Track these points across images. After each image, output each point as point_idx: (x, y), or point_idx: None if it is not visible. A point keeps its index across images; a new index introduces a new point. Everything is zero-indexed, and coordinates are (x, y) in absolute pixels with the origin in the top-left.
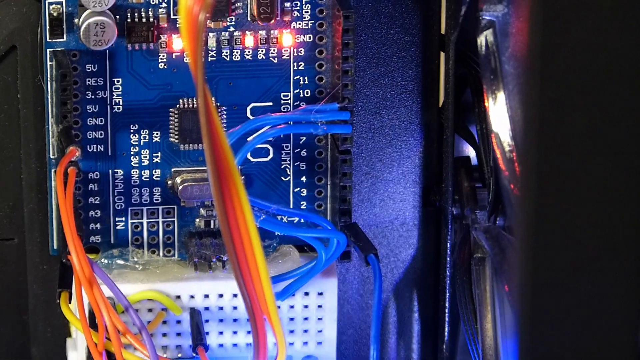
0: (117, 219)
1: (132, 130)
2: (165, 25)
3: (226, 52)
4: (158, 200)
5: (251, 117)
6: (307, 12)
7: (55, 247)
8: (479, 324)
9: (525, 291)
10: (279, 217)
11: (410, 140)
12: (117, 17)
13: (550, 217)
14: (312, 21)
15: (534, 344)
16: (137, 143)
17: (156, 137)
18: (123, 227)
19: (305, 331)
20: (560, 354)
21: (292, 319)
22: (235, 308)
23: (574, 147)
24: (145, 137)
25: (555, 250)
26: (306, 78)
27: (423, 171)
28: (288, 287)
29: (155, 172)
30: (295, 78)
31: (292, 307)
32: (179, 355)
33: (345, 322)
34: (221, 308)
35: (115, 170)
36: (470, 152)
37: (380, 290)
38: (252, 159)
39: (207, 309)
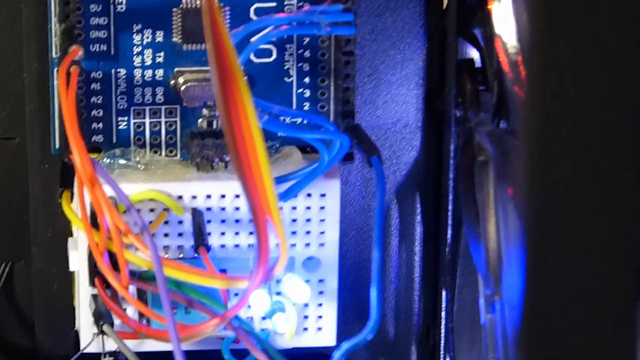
0: (119, 118)
1: (134, 30)
2: None
3: None
4: (160, 100)
5: (255, 18)
6: None
7: (57, 147)
8: (482, 227)
9: (529, 194)
10: (281, 118)
11: (413, 43)
12: None
13: (556, 120)
14: None
15: (540, 248)
16: (139, 43)
17: (159, 37)
18: (125, 127)
19: (308, 233)
20: (567, 258)
21: (294, 221)
22: (237, 209)
23: (579, 50)
24: (148, 37)
25: (561, 151)
26: None
27: (426, 74)
28: (290, 188)
29: (158, 72)
30: None
31: (294, 208)
32: (181, 256)
33: (348, 224)
34: (223, 209)
35: (118, 69)
36: (474, 55)
37: (383, 192)
38: (255, 60)
39: (209, 209)
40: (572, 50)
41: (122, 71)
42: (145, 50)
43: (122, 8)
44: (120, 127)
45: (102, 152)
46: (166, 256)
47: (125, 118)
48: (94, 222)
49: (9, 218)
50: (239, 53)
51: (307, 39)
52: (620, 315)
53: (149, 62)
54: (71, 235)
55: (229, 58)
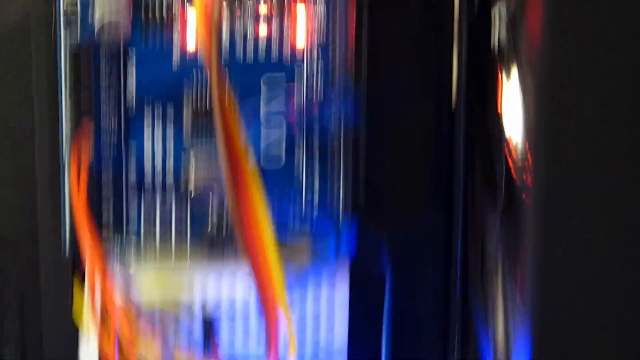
0: (130, 206)
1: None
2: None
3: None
4: (171, 188)
5: None
6: None
7: (67, 246)
8: (491, 324)
9: (537, 296)
10: (292, 213)
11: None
12: None
13: (561, 223)
14: None
15: (546, 347)
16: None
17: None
18: (136, 219)
19: (317, 324)
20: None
21: (303, 314)
22: (247, 304)
23: (586, 148)
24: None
25: (566, 254)
26: None
27: (433, 174)
28: (300, 280)
29: (169, 152)
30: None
31: (303, 302)
32: (192, 351)
33: (357, 318)
34: (233, 300)
35: (128, 163)
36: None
37: (393, 286)
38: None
39: (219, 302)
40: (579, 147)
41: (133, 164)
42: (156, 137)
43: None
44: (130, 215)
45: (112, 242)
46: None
47: (136, 205)
48: (104, 322)
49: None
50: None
51: (317, 138)
52: None
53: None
54: (83, 333)
55: (240, 152)
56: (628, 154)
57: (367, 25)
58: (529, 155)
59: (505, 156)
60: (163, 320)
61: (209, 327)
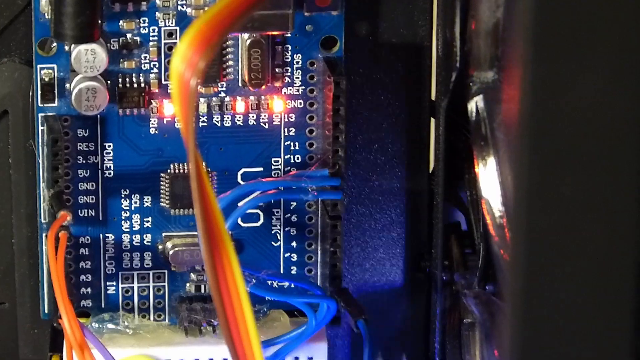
0: (107, 283)
1: (123, 195)
2: (157, 91)
3: (217, 118)
4: (149, 264)
5: (242, 183)
6: (298, 77)
7: (46, 312)
8: None
9: (515, 357)
10: (269, 283)
11: (400, 206)
12: (109, 82)
13: (540, 284)
14: (303, 87)
15: None
16: (128, 208)
17: (147, 202)
18: (114, 292)
19: None
20: None
21: None
22: None
23: (564, 214)
24: (137, 202)
25: (545, 316)
26: (297, 144)
27: (412, 237)
28: (278, 352)
29: (146, 236)
30: (286, 144)
31: None
32: None
33: None
34: None
35: (106, 234)
36: (460, 217)
37: (370, 355)
38: (242, 224)
39: None
40: (557, 212)
41: (111, 236)
42: (134, 215)
43: (110, 173)
44: (108, 291)
45: (90, 317)
46: None
47: (114, 283)
48: None
49: None
50: (226, 217)
51: (294, 204)
52: None
53: (137, 227)
54: None
55: (216, 223)
56: (610, 210)
57: (345, 112)
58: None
59: (483, 214)
60: None
61: None
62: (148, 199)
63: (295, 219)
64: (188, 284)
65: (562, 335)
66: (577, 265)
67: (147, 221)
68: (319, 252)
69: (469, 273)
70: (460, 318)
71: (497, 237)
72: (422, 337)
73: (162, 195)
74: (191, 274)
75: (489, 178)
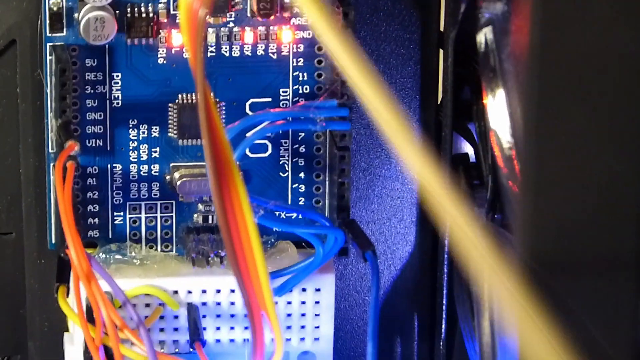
0: (115, 213)
1: (130, 125)
2: (165, 21)
3: (225, 48)
4: (156, 195)
5: (250, 113)
6: None
7: (53, 242)
8: (476, 321)
9: (524, 289)
10: (277, 213)
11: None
12: (117, 12)
13: (549, 215)
14: None
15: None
16: (135, 138)
17: (155, 132)
18: (121, 222)
19: (302, 327)
20: (560, 352)
21: (289, 315)
22: (232, 304)
23: (573, 144)
24: (144, 132)
25: (554, 247)
26: (305, 74)
27: None
28: (285, 283)
29: (154, 167)
30: (294, 74)
31: (289, 303)
32: (176, 350)
33: (343, 319)
34: (219, 303)
35: (114, 165)
36: (468, 149)
37: (378, 287)
38: (250, 155)
39: (204, 304)
40: (566, 145)
41: (118, 166)
42: (141, 146)
43: (118, 103)
44: (116, 222)
45: (98, 247)
46: (162, 351)
47: (121, 213)
48: (90, 317)
49: (5, 313)
50: (234, 148)
51: (303, 134)
52: None
53: (144, 157)
54: (67, 330)
55: (224, 153)
56: (617, 144)
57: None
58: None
59: (492, 146)
60: (148, 320)
61: (195, 328)
62: (156, 129)
63: (304, 149)
64: (195, 215)
65: (570, 267)
66: (586, 197)
67: (155, 151)
68: (327, 183)
69: (476, 205)
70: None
71: (505, 169)
72: (430, 270)
73: (170, 126)
74: (199, 204)
75: (498, 110)
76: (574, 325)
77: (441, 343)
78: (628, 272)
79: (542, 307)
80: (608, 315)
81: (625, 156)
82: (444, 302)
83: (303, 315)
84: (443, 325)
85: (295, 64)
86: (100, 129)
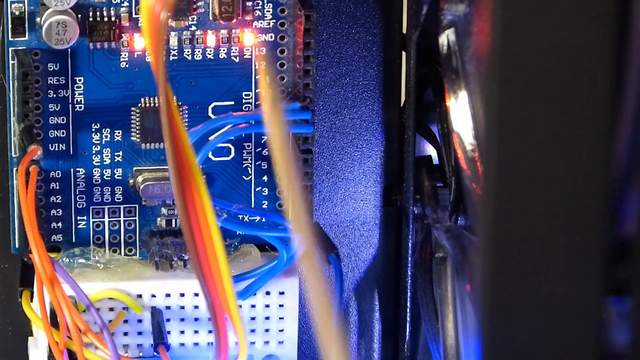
0: (78, 217)
1: (93, 129)
2: (127, 24)
3: (188, 51)
4: (119, 199)
5: (213, 117)
6: (269, 11)
7: (16, 246)
8: (440, 323)
9: (486, 290)
10: (240, 217)
11: (371, 140)
12: (79, 15)
13: (512, 216)
14: (274, 20)
15: (496, 343)
16: (98, 142)
17: (118, 136)
18: (84, 226)
19: (267, 330)
20: (523, 352)
21: (253, 319)
22: (196, 307)
23: (535, 146)
24: (107, 136)
25: (517, 249)
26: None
27: (384, 170)
28: (249, 286)
29: (117, 171)
30: (257, 77)
31: (253, 306)
32: (140, 354)
33: (307, 322)
34: (182, 307)
35: (77, 169)
36: (431, 151)
37: (342, 289)
38: (213, 158)
39: (168, 307)
40: (528, 146)
41: (81, 170)
42: (104, 149)
43: (80, 107)
44: (79, 226)
45: (61, 252)
46: (126, 355)
47: (85, 217)
48: (53, 321)
49: None
50: (197, 152)
51: (265, 138)
52: None
53: (107, 161)
54: (31, 334)
55: (187, 157)
56: (580, 144)
57: (316, 45)
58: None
59: (454, 148)
60: (112, 324)
61: (158, 331)
62: (119, 132)
63: (267, 152)
64: (159, 218)
65: (534, 267)
66: (549, 197)
67: (118, 155)
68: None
69: (440, 207)
70: (432, 252)
71: (468, 170)
72: (393, 272)
73: (132, 129)
74: (162, 208)
75: (461, 111)
76: (537, 327)
77: (405, 345)
78: (594, 271)
79: (504, 309)
80: (572, 318)
81: (588, 156)
82: (408, 304)
83: (267, 318)
84: (407, 327)
85: (257, 66)
86: (63, 133)
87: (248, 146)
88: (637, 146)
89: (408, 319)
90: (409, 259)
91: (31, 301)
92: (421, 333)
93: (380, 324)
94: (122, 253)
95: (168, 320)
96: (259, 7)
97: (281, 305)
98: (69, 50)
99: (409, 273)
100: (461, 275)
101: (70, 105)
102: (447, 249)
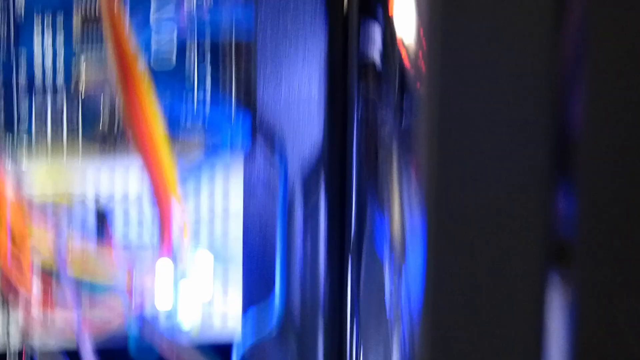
0: None
1: None
2: None
3: None
4: None
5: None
6: None
7: None
8: (386, 199)
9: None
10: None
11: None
12: None
13: (455, 115)
14: None
15: (440, 219)
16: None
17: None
18: None
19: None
20: (470, 227)
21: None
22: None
23: (480, 39)
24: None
25: (460, 146)
26: None
27: (329, 49)
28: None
29: None
30: None
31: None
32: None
33: (254, 209)
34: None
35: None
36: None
37: (286, 176)
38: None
39: None
40: (471, 42)
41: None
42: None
43: None
44: None
45: None
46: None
47: None
48: None
49: None
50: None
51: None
52: (527, 281)
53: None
54: None
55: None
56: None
57: None
58: (423, 43)
59: (398, 47)
60: (56, 213)
61: (103, 219)
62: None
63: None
64: None
65: (476, 158)
66: (490, 94)
67: None
68: (233, 70)
69: (385, 109)
70: (377, 130)
71: (412, 70)
72: (339, 155)
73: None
74: None
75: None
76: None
77: (352, 223)
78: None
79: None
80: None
81: (530, 44)
82: (354, 181)
83: (211, 206)
84: (353, 205)
85: None
86: None
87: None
88: None
89: (354, 196)
90: (355, 139)
91: None
92: (368, 209)
93: (326, 203)
94: (65, 143)
95: (112, 206)
96: None
97: (226, 192)
98: None
99: (355, 157)
100: (405, 152)
101: None
102: (392, 125)
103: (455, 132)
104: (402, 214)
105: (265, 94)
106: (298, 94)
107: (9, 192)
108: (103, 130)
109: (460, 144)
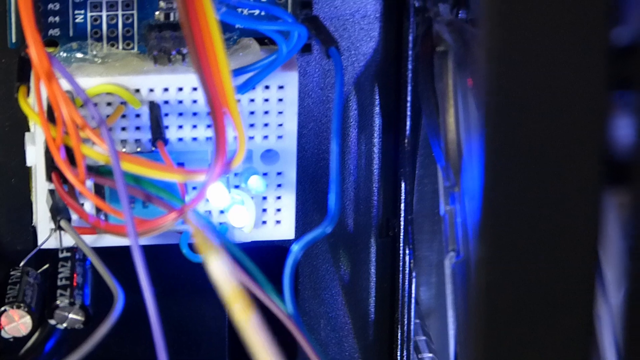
0: (76, 11)
1: None
2: None
3: None
4: None
5: None
6: None
7: (13, 41)
8: (441, 118)
9: (489, 84)
10: (239, 10)
11: None
12: None
13: (517, 7)
14: None
15: (498, 137)
16: None
17: None
18: (82, 20)
19: (266, 125)
20: (524, 145)
21: (252, 113)
22: (195, 102)
23: None
24: None
25: (521, 39)
26: None
27: None
28: (248, 80)
29: None
30: None
31: (252, 100)
32: (138, 150)
33: (306, 116)
34: (181, 101)
35: None
36: None
37: (342, 83)
38: None
39: (166, 102)
40: None
41: None
42: None
43: None
44: (77, 20)
45: (59, 46)
46: (123, 150)
47: (82, 11)
48: (50, 116)
49: None
50: None
51: None
52: (583, 204)
53: None
54: (28, 129)
55: None
56: None
57: None
58: None
59: None
60: (109, 119)
61: (157, 126)
62: None
63: None
64: (157, 12)
65: (537, 64)
66: None
67: None
68: None
69: (441, 0)
70: (433, 46)
71: None
72: (394, 66)
73: None
74: (160, 1)
75: None
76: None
77: (406, 139)
78: (598, 66)
79: (507, 104)
80: (577, 113)
81: None
82: (409, 98)
83: (266, 112)
84: (407, 122)
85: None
86: None
87: None
88: None
89: (408, 112)
90: (410, 52)
91: (28, 96)
92: (422, 127)
93: (381, 118)
94: (120, 47)
95: (166, 114)
96: None
97: (280, 100)
98: None
99: (410, 67)
100: (463, 69)
101: None
102: (448, 43)
103: (517, 52)
104: (458, 135)
105: (321, 2)
106: (354, 6)
107: (63, 90)
108: (159, 32)
109: (522, 49)
